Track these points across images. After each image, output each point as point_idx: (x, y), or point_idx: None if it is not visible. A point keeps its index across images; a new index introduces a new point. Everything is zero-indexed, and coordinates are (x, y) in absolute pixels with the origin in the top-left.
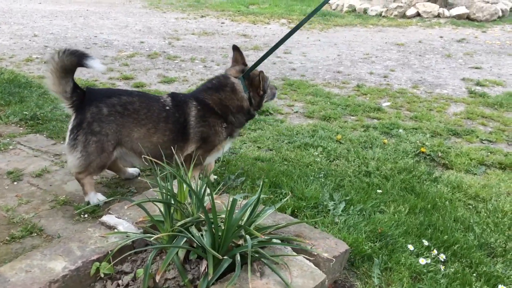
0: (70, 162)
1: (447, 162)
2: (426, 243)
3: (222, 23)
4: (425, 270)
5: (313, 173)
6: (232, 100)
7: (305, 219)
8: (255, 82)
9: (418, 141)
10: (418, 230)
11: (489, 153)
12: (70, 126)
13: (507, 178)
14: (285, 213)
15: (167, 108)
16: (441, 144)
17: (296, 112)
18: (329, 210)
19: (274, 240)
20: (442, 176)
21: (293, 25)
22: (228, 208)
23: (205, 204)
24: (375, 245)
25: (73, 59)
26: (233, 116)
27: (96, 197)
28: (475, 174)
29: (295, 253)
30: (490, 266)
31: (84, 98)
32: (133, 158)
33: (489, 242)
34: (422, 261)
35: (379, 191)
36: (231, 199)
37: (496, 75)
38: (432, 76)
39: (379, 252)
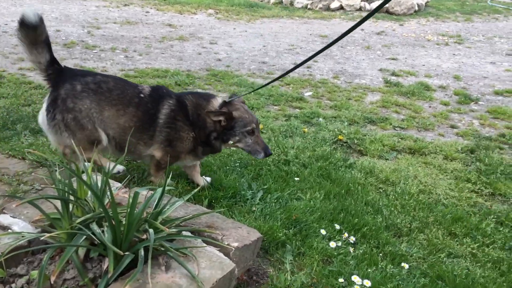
0: (55, 142)
1: (362, 148)
2: (337, 227)
3: (147, 12)
4: (335, 253)
5: (232, 163)
6: (203, 109)
7: (223, 209)
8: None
9: (336, 129)
10: (332, 215)
11: (400, 139)
12: (45, 104)
13: (415, 162)
14: (202, 204)
15: (141, 95)
16: (358, 131)
17: None
18: (247, 199)
19: (184, 233)
20: (356, 162)
21: (220, 16)
22: (130, 202)
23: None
24: (289, 231)
25: (24, 24)
26: (199, 129)
27: (116, 168)
28: (387, 159)
29: (204, 244)
30: (395, 246)
31: (61, 75)
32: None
33: (395, 223)
34: (333, 244)
35: (296, 178)
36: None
37: (410, 66)
38: (352, 67)
39: (293, 238)
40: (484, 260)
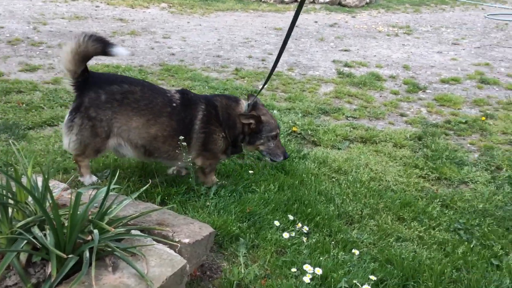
0: (65, 144)
1: (316, 139)
2: (291, 217)
3: (97, 6)
4: (289, 244)
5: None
6: (234, 110)
7: (174, 205)
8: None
9: (290, 121)
10: (286, 206)
11: (352, 129)
12: (70, 108)
13: (367, 151)
14: (154, 201)
15: (174, 105)
16: (311, 122)
17: None
18: (201, 194)
19: (133, 232)
20: (310, 153)
21: (174, 9)
22: (72, 203)
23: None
24: (243, 224)
25: (98, 46)
26: (229, 129)
27: (91, 179)
28: (340, 148)
29: (154, 242)
30: (347, 233)
31: (86, 82)
32: (127, 150)
33: (347, 211)
34: (286, 235)
35: (251, 171)
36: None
37: (362, 57)
38: (306, 58)
39: (247, 231)
40: (430, 242)
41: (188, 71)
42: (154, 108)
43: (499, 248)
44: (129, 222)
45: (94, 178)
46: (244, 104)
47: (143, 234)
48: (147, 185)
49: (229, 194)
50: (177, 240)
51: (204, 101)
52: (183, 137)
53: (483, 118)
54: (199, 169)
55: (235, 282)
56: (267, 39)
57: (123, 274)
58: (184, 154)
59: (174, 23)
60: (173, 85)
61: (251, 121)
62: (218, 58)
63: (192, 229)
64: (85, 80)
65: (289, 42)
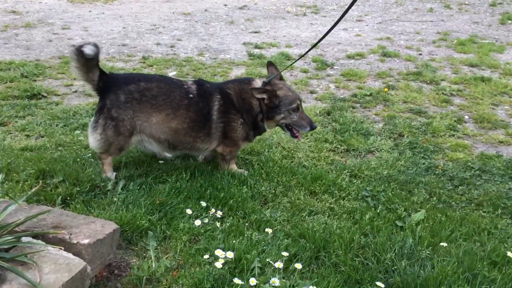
0: (91, 142)
1: None
2: (204, 204)
3: None
4: (203, 230)
5: (84, 155)
6: (247, 93)
7: (80, 206)
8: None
9: None
10: (199, 193)
11: None
12: (95, 110)
13: (279, 130)
14: (55, 203)
15: (191, 96)
16: None
17: (75, 91)
18: (108, 190)
19: (24, 239)
20: None
21: None
22: None
23: None
24: (153, 217)
25: (80, 56)
26: (246, 113)
27: (112, 176)
28: None
29: (49, 247)
30: (261, 213)
31: (106, 84)
32: (152, 145)
33: (261, 191)
34: (198, 222)
35: (161, 161)
36: None
37: (272, 38)
38: (217, 42)
39: (158, 223)
40: (340, 212)
41: None
42: (172, 102)
43: (403, 210)
44: (17, 229)
45: (112, 175)
46: (259, 83)
47: (35, 240)
48: (37, 187)
49: (139, 187)
50: (75, 242)
51: (218, 91)
52: (202, 128)
53: (386, 89)
54: (220, 156)
55: (144, 277)
56: (176, 24)
57: (12, 285)
58: (205, 144)
59: (75, 12)
60: (74, 78)
61: (264, 95)
62: (123, 47)
63: (93, 229)
64: (104, 83)
65: (198, 26)
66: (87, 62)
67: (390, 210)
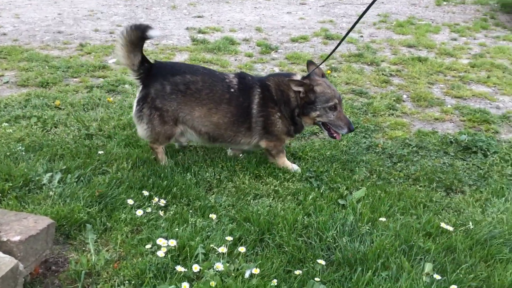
0: (139, 132)
1: None
2: (146, 193)
3: None
4: (145, 220)
5: (15, 148)
6: (285, 85)
7: (13, 202)
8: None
9: None
10: (141, 183)
11: None
12: (137, 97)
13: None
14: None
15: (232, 90)
16: None
17: (7, 82)
18: (44, 184)
19: None
20: None
21: None
22: None
23: None
24: (93, 209)
25: (138, 33)
26: (284, 105)
27: (165, 162)
28: None
29: None
30: (205, 199)
31: (151, 72)
32: (192, 136)
33: (205, 177)
34: (140, 212)
35: (101, 152)
36: None
37: (216, 22)
38: (159, 28)
39: (98, 215)
40: (285, 194)
41: (23, 52)
42: (214, 96)
43: (345, 188)
44: None
45: (167, 162)
46: (298, 77)
47: None
48: None
49: (77, 180)
50: (5, 239)
51: (259, 84)
52: (243, 122)
53: (329, 71)
54: (267, 151)
55: (83, 272)
56: (115, 10)
57: None
58: (246, 138)
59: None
60: (5, 69)
61: (300, 88)
62: (59, 34)
63: (25, 225)
64: (147, 71)
65: (139, 11)
66: (140, 42)
67: (333, 190)
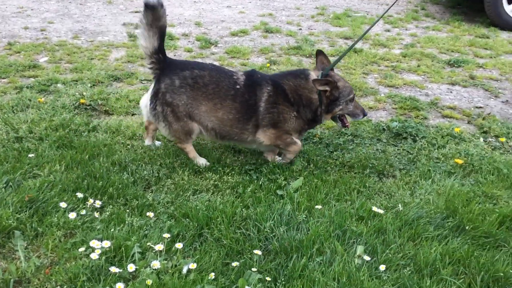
0: (161, 131)
1: (108, 108)
2: (80, 195)
3: None
4: (79, 223)
5: None
6: (305, 89)
7: None
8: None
9: (77, 93)
10: (75, 185)
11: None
12: (150, 93)
13: None
14: None
15: (237, 87)
16: (102, 91)
17: None
18: None
19: None
20: (101, 123)
21: None
22: None
23: None
24: (22, 215)
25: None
26: (304, 107)
27: (201, 161)
28: (134, 114)
29: None
30: (143, 198)
31: (164, 68)
32: (202, 132)
33: (143, 175)
34: (72, 215)
35: (31, 155)
36: None
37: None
38: (94, 24)
39: (28, 221)
40: (224, 188)
41: None
42: (220, 91)
43: (283, 179)
44: None
45: (203, 160)
46: (313, 75)
47: None
48: None
49: (5, 185)
50: None
51: (270, 82)
52: (249, 119)
53: (268, 64)
54: (279, 149)
55: (12, 280)
56: (47, 6)
57: None
58: (252, 136)
59: None
60: None
61: (327, 87)
62: None
63: None
64: (160, 64)
65: (72, 7)
66: (149, 13)
67: (272, 181)
